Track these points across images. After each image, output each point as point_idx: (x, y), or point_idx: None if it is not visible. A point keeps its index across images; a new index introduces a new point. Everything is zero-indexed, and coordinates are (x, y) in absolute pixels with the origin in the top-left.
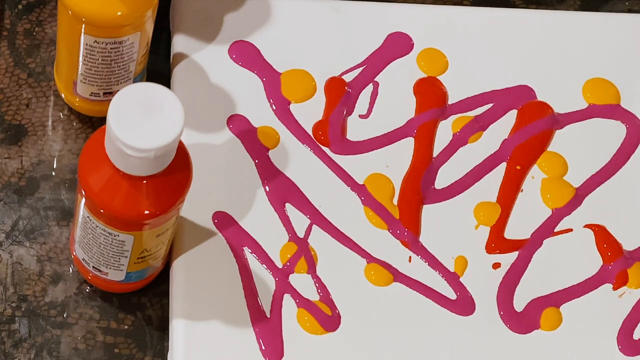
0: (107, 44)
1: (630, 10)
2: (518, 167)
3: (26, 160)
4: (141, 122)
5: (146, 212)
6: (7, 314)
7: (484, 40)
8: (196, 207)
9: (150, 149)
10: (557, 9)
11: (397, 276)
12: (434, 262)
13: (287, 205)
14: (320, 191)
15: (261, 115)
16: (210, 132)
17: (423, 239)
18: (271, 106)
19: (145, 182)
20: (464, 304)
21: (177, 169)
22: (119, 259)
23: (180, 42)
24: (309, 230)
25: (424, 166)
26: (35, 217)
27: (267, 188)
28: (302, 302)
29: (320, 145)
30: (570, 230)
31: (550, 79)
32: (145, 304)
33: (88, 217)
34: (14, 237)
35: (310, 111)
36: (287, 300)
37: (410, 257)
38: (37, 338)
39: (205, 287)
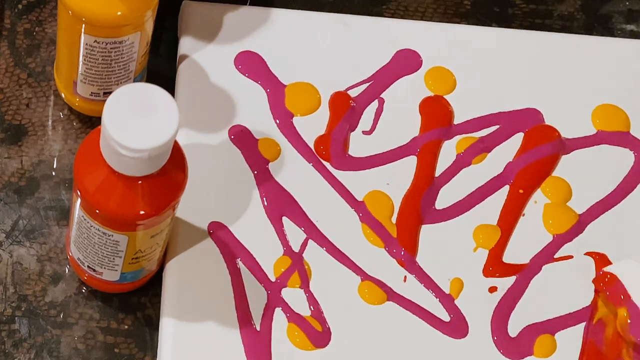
0: (107, 44)
1: (630, 10)
2: (521, 191)
3: (26, 160)
4: (136, 123)
5: (141, 212)
6: (7, 313)
7: (494, 61)
8: (192, 215)
9: (145, 149)
10: (557, 9)
11: (391, 295)
12: (429, 283)
13: (284, 218)
14: (318, 206)
15: (263, 126)
16: (211, 141)
17: (420, 259)
18: (274, 118)
19: (140, 182)
20: (457, 327)
21: (173, 169)
22: (114, 259)
23: (186, 48)
24: (304, 245)
25: (425, 185)
26: (35, 217)
27: (264, 200)
28: (293, 317)
29: (322, 160)
30: (571, 257)
31: (559, 103)
32: (145, 304)
33: (83, 216)
34: (14, 237)
35: (313, 125)
36: (278, 314)
37: (405, 276)
38: (37, 338)
39: (197, 296)
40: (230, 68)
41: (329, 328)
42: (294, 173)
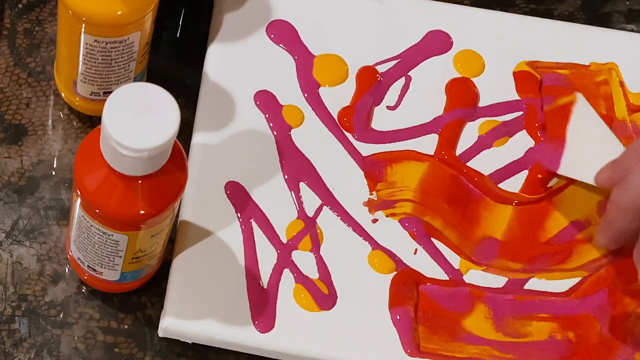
0: (107, 44)
1: (630, 10)
2: (539, 176)
3: (26, 160)
4: (136, 122)
5: (141, 212)
6: (7, 313)
7: (523, 49)
8: (210, 173)
9: (145, 149)
10: (557, 8)
11: (400, 266)
12: (439, 258)
13: (301, 184)
14: (336, 174)
15: (289, 94)
16: (236, 103)
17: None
18: (300, 86)
19: (140, 182)
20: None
21: (173, 169)
22: (114, 258)
23: (220, 13)
24: (318, 211)
25: None
26: (35, 217)
27: (283, 165)
28: (301, 278)
29: (344, 131)
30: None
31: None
32: (145, 303)
33: (83, 216)
34: (14, 236)
35: (338, 96)
36: (286, 275)
37: (416, 249)
38: (37, 338)
39: (207, 249)
40: (262, 35)
41: (335, 292)
42: (315, 141)
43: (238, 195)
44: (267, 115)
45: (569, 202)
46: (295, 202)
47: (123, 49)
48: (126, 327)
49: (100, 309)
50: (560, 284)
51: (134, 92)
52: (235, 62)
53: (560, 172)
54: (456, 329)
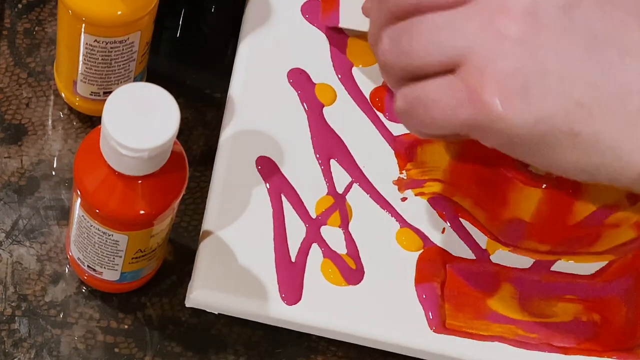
0: (107, 43)
1: None
2: None
3: (26, 160)
4: (136, 122)
5: (141, 212)
6: (7, 313)
7: None
8: (242, 147)
9: (145, 148)
10: None
11: (427, 244)
12: (467, 238)
13: (332, 161)
14: (367, 153)
15: (322, 72)
16: (269, 80)
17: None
18: (333, 66)
19: (140, 182)
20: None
21: (173, 169)
22: (114, 258)
23: None
24: (348, 188)
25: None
26: (35, 217)
27: (314, 141)
28: (329, 253)
29: (376, 110)
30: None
31: None
32: (145, 303)
33: (83, 216)
34: (14, 236)
35: (371, 77)
36: (314, 249)
37: (444, 228)
38: (37, 338)
39: (236, 223)
40: (296, 14)
41: (362, 267)
42: (347, 119)
43: (269, 170)
44: (299, 93)
45: (597, 186)
46: (325, 178)
47: (123, 49)
48: (126, 327)
49: (100, 309)
50: (587, 267)
51: (134, 92)
52: (269, 40)
53: (341, 25)
54: (482, 307)
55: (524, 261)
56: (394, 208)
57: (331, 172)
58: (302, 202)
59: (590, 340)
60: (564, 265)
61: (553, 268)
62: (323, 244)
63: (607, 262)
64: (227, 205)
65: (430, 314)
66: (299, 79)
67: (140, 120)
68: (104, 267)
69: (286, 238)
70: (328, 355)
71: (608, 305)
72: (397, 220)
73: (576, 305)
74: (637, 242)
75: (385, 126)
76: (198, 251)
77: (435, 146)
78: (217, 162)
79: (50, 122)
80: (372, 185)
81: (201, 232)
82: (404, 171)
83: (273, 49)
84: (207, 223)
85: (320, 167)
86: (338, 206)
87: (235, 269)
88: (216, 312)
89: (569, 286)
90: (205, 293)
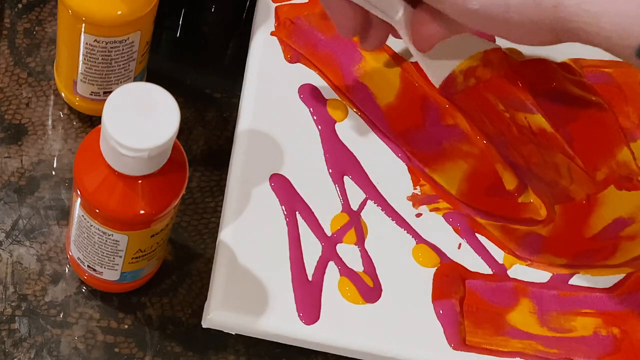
0: (107, 43)
1: None
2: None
3: (26, 160)
4: (136, 122)
5: (141, 212)
6: (7, 313)
7: (569, 46)
8: (256, 165)
9: (145, 148)
10: None
11: (444, 259)
12: (483, 253)
13: (345, 178)
14: (381, 169)
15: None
16: (281, 97)
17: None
18: (346, 82)
19: (140, 182)
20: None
21: (173, 169)
22: (114, 258)
23: (264, 9)
24: (363, 204)
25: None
26: (35, 217)
27: (327, 158)
28: (346, 271)
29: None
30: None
31: None
32: (145, 303)
33: (83, 216)
34: (14, 236)
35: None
36: (331, 267)
37: (460, 244)
38: (37, 337)
39: (252, 241)
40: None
41: (380, 285)
42: (359, 135)
43: (283, 188)
44: (311, 109)
45: (612, 199)
46: (340, 195)
47: (123, 49)
48: (126, 327)
49: (100, 308)
50: (604, 280)
51: (134, 92)
52: (280, 55)
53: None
54: (501, 323)
55: (541, 275)
56: (409, 224)
57: (345, 189)
58: (317, 220)
59: (611, 354)
60: (581, 279)
61: (571, 282)
62: (339, 262)
63: (624, 275)
64: (241, 225)
65: (449, 330)
66: (310, 95)
67: (140, 120)
68: (104, 267)
69: (302, 257)
70: (328, 356)
71: (627, 318)
72: (412, 237)
73: (595, 320)
74: None
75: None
76: (213, 271)
77: (446, 166)
78: (230, 180)
79: (50, 122)
80: (387, 202)
81: (216, 252)
82: (417, 187)
83: (283, 63)
84: (222, 243)
85: (334, 184)
86: (353, 223)
87: (251, 289)
88: (233, 333)
89: (587, 300)
90: (222, 314)
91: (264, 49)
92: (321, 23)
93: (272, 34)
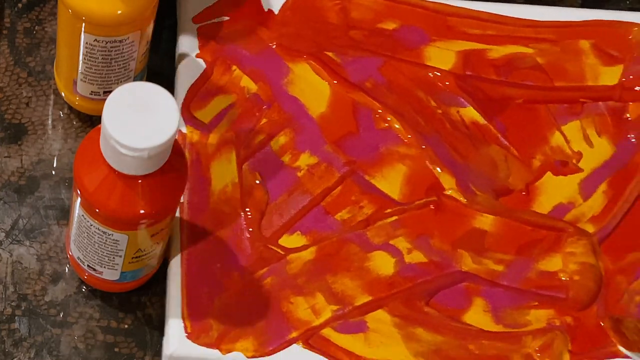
0: (107, 43)
1: (631, 9)
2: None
3: (26, 159)
4: (136, 121)
5: (141, 211)
6: (7, 313)
7: None
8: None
9: (145, 148)
10: (557, 7)
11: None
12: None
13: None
14: None
15: None
16: None
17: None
18: (276, 96)
19: (140, 181)
20: None
21: (173, 168)
22: (114, 258)
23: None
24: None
25: None
26: (35, 216)
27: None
28: None
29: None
30: None
31: None
32: (145, 303)
33: (83, 215)
34: (13, 236)
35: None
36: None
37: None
38: (37, 337)
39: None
40: None
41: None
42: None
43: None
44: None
45: (550, 187)
46: None
47: (123, 49)
48: (126, 326)
49: (100, 308)
50: (552, 270)
51: (134, 92)
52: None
53: None
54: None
55: (490, 273)
56: (359, 235)
57: None
58: None
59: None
60: (530, 271)
61: (520, 276)
62: None
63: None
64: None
65: None
66: None
67: (140, 120)
68: (104, 267)
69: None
70: None
71: None
72: (362, 249)
73: (547, 311)
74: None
75: None
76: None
77: (385, 171)
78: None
79: (50, 121)
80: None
81: (167, 290)
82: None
83: None
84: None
85: None
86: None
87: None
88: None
89: (537, 292)
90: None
91: (193, 73)
92: (244, 39)
93: (197, 56)
